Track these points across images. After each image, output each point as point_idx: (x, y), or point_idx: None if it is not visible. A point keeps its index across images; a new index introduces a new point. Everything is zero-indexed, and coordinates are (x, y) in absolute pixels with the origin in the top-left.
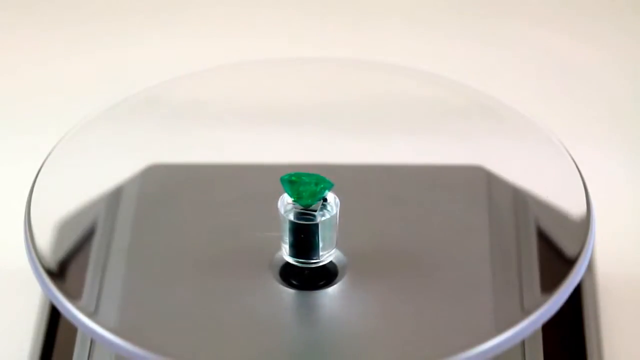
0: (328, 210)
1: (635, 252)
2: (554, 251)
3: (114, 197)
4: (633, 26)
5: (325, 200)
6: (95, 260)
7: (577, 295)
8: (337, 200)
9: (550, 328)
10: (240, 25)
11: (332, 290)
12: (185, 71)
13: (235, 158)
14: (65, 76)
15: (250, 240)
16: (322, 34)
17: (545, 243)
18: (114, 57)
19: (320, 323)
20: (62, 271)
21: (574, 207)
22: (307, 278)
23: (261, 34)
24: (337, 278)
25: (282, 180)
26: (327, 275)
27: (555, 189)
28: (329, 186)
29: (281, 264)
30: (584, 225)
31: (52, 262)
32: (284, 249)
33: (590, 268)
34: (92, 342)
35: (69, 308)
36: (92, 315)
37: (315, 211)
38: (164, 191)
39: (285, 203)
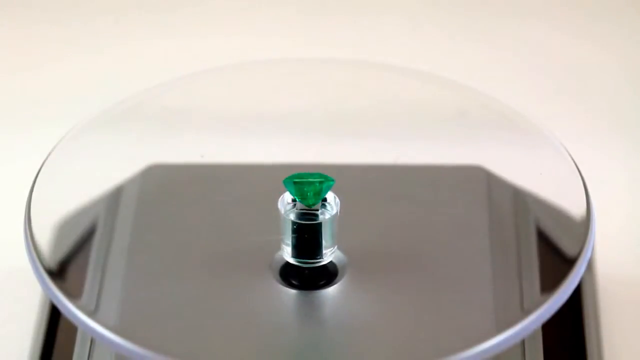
0: (328, 210)
1: (635, 252)
2: (554, 251)
3: (114, 197)
4: (634, 25)
5: (324, 199)
6: (95, 260)
7: (577, 295)
8: (337, 198)
9: (550, 328)
10: (240, 25)
11: (332, 290)
12: (185, 71)
13: (235, 158)
14: (66, 76)
15: (250, 240)
16: (322, 34)
17: (545, 243)
18: (115, 56)
19: (320, 323)
20: (62, 271)
21: (574, 207)
22: (307, 278)
23: (261, 34)
24: (337, 278)
25: (286, 182)
26: (327, 275)
27: (555, 189)
28: (332, 183)
29: (281, 263)
30: (584, 225)
31: (52, 262)
32: (284, 250)
33: (590, 268)
34: (92, 341)
35: (69, 307)
36: (92, 314)
37: (317, 210)
38: (164, 191)
39: (286, 203)
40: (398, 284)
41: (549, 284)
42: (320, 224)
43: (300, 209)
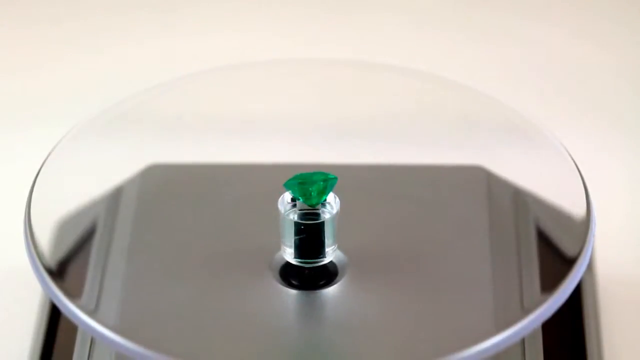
0: (328, 209)
1: (635, 252)
2: (554, 251)
3: (114, 197)
4: (634, 25)
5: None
6: (95, 260)
7: (577, 295)
8: (336, 197)
9: (550, 327)
10: (240, 25)
11: (332, 289)
12: (186, 71)
13: (235, 158)
14: (65, 76)
15: (250, 240)
16: (322, 34)
17: (545, 243)
18: (115, 56)
19: (320, 323)
20: (62, 270)
21: (574, 207)
22: (308, 278)
23: (261, 34)
24: (338, 278)
25: (289, 184)
26: (328, 274)
27: (555, 189)
28: (335, 180)
29: (281, 263)
30: (584, 225)
31: (53, 261)
32: (284, 250)
33: (590, 268)
34: (92, 340)
35: (69, 307)
36: (92, 313)
37: (318, 210)
38: (164, 191)
39: (286, 203)
40: (398, 284)
41: (549, 284)
42: (322, 223)
43: (301, 209)
